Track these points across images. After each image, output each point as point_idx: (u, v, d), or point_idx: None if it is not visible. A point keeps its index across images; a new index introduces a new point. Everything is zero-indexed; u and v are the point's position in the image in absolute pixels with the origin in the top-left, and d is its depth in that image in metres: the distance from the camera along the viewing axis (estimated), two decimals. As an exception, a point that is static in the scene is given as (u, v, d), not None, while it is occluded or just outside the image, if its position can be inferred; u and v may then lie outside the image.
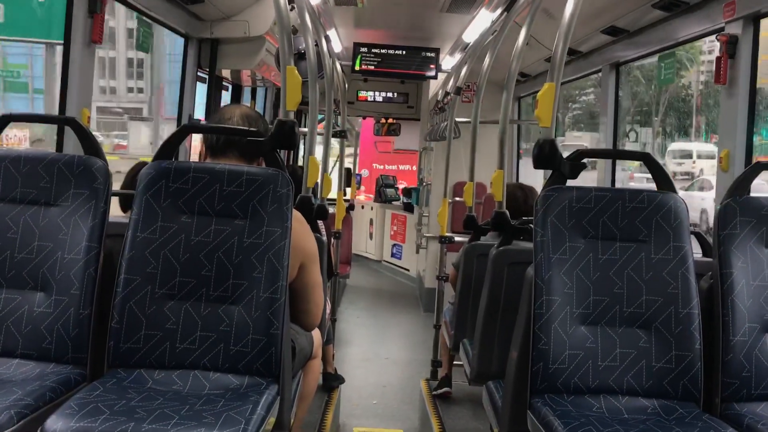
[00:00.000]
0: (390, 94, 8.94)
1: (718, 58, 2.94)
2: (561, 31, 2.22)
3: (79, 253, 2.05)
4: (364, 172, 11.78)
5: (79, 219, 2.08)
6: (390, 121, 9.90)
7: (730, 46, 2.89)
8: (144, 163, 3.14)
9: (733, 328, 2.07)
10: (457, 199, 6.30)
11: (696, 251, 2.87)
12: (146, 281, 1.99)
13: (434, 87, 7.95)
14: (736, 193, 2.19)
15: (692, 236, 2.81)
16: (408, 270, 9.20)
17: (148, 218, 2.03)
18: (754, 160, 2.90)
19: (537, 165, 2.19)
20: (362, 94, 8.81)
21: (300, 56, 4.03)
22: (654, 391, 2.05)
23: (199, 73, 4.52)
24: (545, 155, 2.17)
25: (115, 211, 2.97)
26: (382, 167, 11.58)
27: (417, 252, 8.32)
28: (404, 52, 6.40)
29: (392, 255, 9.68)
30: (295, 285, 2.26)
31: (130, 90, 26.81)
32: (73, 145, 2.88)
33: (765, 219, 2.14)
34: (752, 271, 2.11)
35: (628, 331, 2.08)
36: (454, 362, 4.38)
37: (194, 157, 4.72)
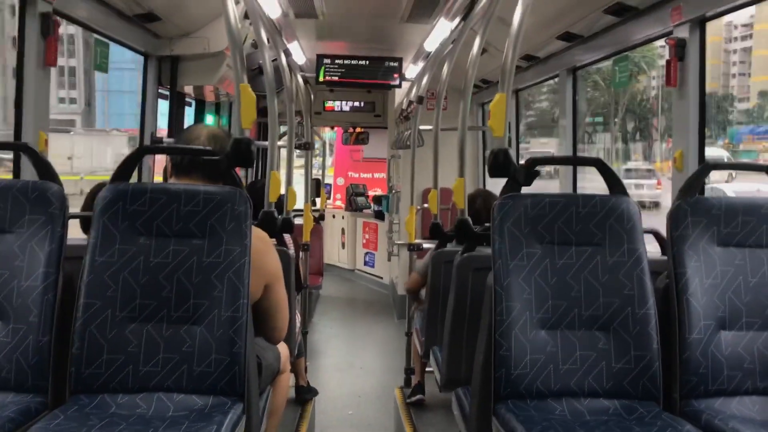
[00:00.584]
0: (357, 104, 8.96)
1: (668, 61, 3.01)
2: (509, 42, 2.26)
3: (37, 279, 2.03)
4: (340, 181, 11.82)
5: (35, 245, 2.06)
6: (358, 130, 9.93)
7: (679, 50, 2.96)
8: (103, 184, 3.14)
9: (689, 326, 2.12)
10: (426, 205, 6.33)
11: (656, 250, 2.94)
12: (106, 305, 1.98)
13: (400, 95, 7.99)
14: (687, 194, 2.24)
15: (651, 235, 2.88)
16: (381, 278, 9.22)
17: (106, 241, 2.02)
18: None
19: (492, 174, 2.22)
20: (329, 104, 8.81)
21: (260, 71, 4.05)
22: (615, 392, 2.09)
23: (160, 90, 4.50)
24: (500, 164, 2.20)
25: (78, 233, 2.95)
26: (357, 175, 11.62)
27: (389, 260, 8.33)
28: (367, 62, 6.42)
29: (365, 263, 9.68)
30: (261, 305, 2.26)
31: (62, 100, 25.04)
32: (31, 170, 2.86)
33: (715, 219, 2.20)
34: (705, 269, 2.16)
35: (587, 333, 2.12)
36: (427, 369, 4.40)
37: (159, 172, 4.70)
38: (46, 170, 2.19)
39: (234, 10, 2.19)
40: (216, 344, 1.97)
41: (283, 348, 2.73)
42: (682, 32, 2.96)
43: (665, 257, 2.72)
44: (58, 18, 2.98)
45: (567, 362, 2.09)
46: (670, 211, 2.26)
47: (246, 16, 3.73)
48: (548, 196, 2.18)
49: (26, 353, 1.98)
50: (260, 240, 2.26)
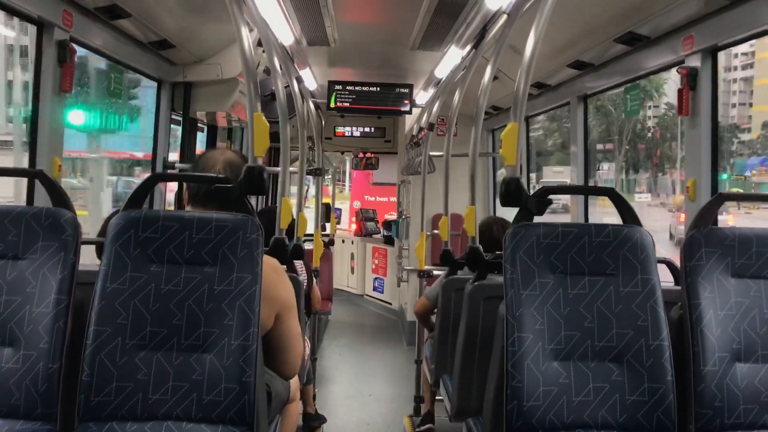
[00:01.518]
0: (367, 129, 9.01)
1: (680, 90, 3.01)
2: (521, 72, 2.27)
3: (48, 306, 2.03)
4: (356, 204, 12.17)
5: (47, 272, 2.06)
6: (368, 155, 9.96)
7: (691, 79, 2.96)
8: (118, 212, 3.15)
9: (704, 358, 2.09)
10: (436, 231, 6.32)
11: (669, 279, 2.92)
12: (117, 332, 1.97)
13: (410, 121, 8.03)
14: (700, 224, 2.23)
15: (663, 264, 2.86)
16: (390, 304, 9.18)
17: (118, 268, 2.02)
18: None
19: (504, 203, 2.22)
20: (339, 129, 8.86)
21: (273, 97, 4.08)
22: (629, 425, 2.05)
23: (173, 116, 4.54)
24: (511, 193, 2.20)
25: (94, 258, 2.95)
26: (373, 199, 11.84)
27: (398, 285, 8.31)
28: (378, 89, 6.46)
29: (374, 289, 9.65)
30: (272, 335, 2.24)
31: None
32: (44, 197, 2.88)
33: (730, 249, 2.18)
34: (720, 301, 2.14)
35: (600, 365, 2.09)
36: (437, 398, 4.35)
37: (170, 198, 4.72)
38: (59, 197, 2.20)
39: (248, 38, 2.22)
40: (226, 373, 1.96)
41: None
42: (694, 61, 2.96)
43: (678, 287, 2.70)
44: (74, 45, 3.02)
45: (580, 394, 2.06)
46: (683, 241, 2.24)
47: (259, 43, 3.77)
48: (561, 226, 2.17)
49: (36, 380, 1.98)
50: (273, 269, 2.25)
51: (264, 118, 2.20)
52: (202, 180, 2.19)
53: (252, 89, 2.21)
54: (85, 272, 2.15)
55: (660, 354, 2.08)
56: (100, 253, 2.93)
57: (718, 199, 2.30)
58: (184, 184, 2.32)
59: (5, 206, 2.14)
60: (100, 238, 2.86)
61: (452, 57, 4.73)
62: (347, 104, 6.53)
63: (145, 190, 2.21)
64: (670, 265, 2.96)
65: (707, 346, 2.09)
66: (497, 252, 3.10)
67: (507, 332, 2.07)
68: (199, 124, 5.14)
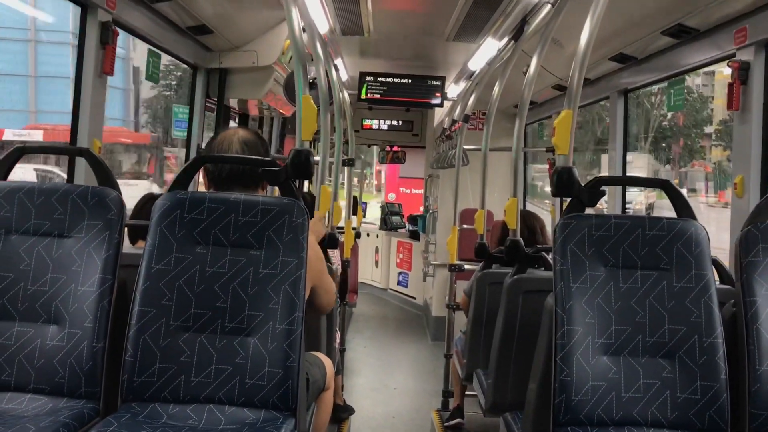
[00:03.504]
0: (395, 122, 8.97)
1: (730, 85, 2.93)
2: (577, 59, 2.22)
3: (93, 285, 2.02)
4: (391, 196, 12.55)
5: (93, 250, 2.05)
6: (395, 149, 9.93)
7: (743, 73, 2.88)
8: (151, 195, 3.15)
9: (759, 357, 2.02)
10: (465, 226, 6.27)
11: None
12: (161, 313, 1.96)
13: (438, 114, 7.97)
14: (757, 220, 2.16)
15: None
16: (414, 298, 9.14)
17: (163, 249, 2.00)
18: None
19: (556, 193, 2.17)
20: (367, 122, 8.84)
21: (310, 85, 4.05)
22: (679, 423, 2.00)
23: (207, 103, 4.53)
24: (563, 182, 2.15)
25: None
26: (409, 191, 11.94)
27: (424, 280, 8.27)
28: (410, 81, 6.41)
29: (398, 283, 9.62)
30: (309, 300, 2.25)
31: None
32: (84, 176, 2.88)
33: None
34: None
35: (651, 361, 2.04)
36: (467, 392, 4.32)
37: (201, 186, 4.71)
38: (105, 176, 2.19)
39: (299, 22, 2.19)
40: (270, 357, 1.94)
41: (328, 364, 2.69)
42: (746, 55, 2.88)
43: (725, 286, 2.63)
44: (116, 28, 3.02)
45: (630, 390, 2.01)
46: (738, 237, 2.17)
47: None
48: (614, 217, 2.12)
49: (80, 359, 1.97)
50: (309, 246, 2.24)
51: (312, 101, 2.17)
52: (249, 162, 2.17)
53: (301, 73, 2.18)
54: (126, 254, 2.14)
55: (714, 351, 2.02)
56: (132, 237, 2.94)
57: None
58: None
59: (52, 184, 2.14)
60: (132, 221, 2.85)
61: (488, 49, 4.67)
62: (378, 95, 6.50)
63: (191, 171, 2.19)
64: (715, 262, 2.89)
65: (763, 345, 2.02)
66: (538, 246, 3.05)
67: (556, 325, 2.03)
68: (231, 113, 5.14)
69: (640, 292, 2.07)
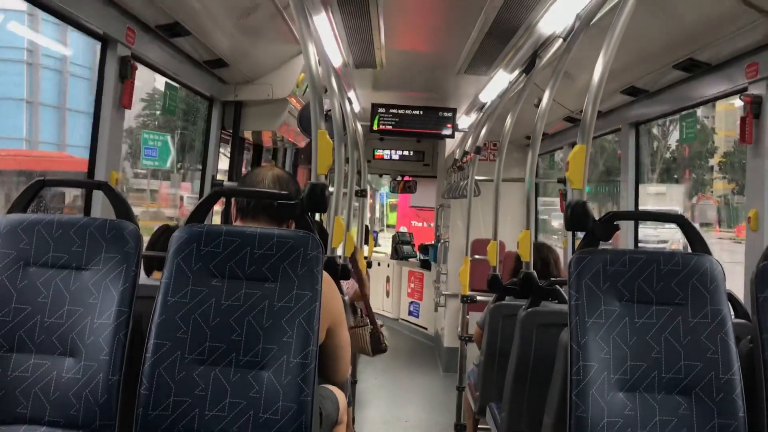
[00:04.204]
0: (406, 152, 9.02)
1: (743, 118, 2.94)
2: (590, 94, 2.24)
3: (110, 317, 2.04)
4: (403, 230, 12.47)
5: (110, 283, 2.07)
6: (406, 178, 9.97)
7: (755, 106, 2.89)
8: (167, 226, 3.18)
9: None
10: (476, 256, 6.27)
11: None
12: (176, 346, 1.97)
13: (450, 145, 8.01)
14: None
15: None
16: (426, 329, 9.09)
17: (179, 282, 2.02)
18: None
19: (569, 227, 2.17)
20: (378, 152, 8.89)
21: (325, 118, 4.09)
22: None
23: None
24: (577, 217, 2.16)
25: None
26: (421, 225, 11.92)
27: (435, 310, 8.23)
28: (421, 112, 6.47)
29: (409, 313, 9.58)
30: (325, 347, 2.24)
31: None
32: (101, 208, 2.91)
33: None
34: None
35: (667, 397, 2.02)
36: (479, 426, 4.27)
37: (216, 219, 4.75)
38: (123, 209, 2.22)
39: (315, 56, 2.23)
40: (284, 391, 1.94)
41: (341, 397, 2.67)
42: (758, 89, 2.90)
43: (741, 320, 2.61)
44: (135, 62, 3.07)
45: (646, 427, 1.99)
46: (754, 272, 2.16)
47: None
48: (629, 252, 2.12)
49: (96, 392, 1.97)
50: (326, 283, 2.24)
51: (328, 136, 2.20)
52: (264, 196, 2.19)
53: (317, 107, 2.21)
54: (141, 286, 2.16)
55: (731, 389, 2.00)
56: (147, 268, 2.96)
57: None
58: (233, 200, 2.33)
59: (71, 217, 2.16)
60: (147, 252, 2.87)
61: (499, 81, 4.72)
62: (390, 127, 6.55)
63: (208, 204, 2.22)
64: (730, 296, 2.87)
65: None
66: (552, 279, 3.04)
67: (571, 360, 2.02)
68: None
69: (655, 327, 2.05)
